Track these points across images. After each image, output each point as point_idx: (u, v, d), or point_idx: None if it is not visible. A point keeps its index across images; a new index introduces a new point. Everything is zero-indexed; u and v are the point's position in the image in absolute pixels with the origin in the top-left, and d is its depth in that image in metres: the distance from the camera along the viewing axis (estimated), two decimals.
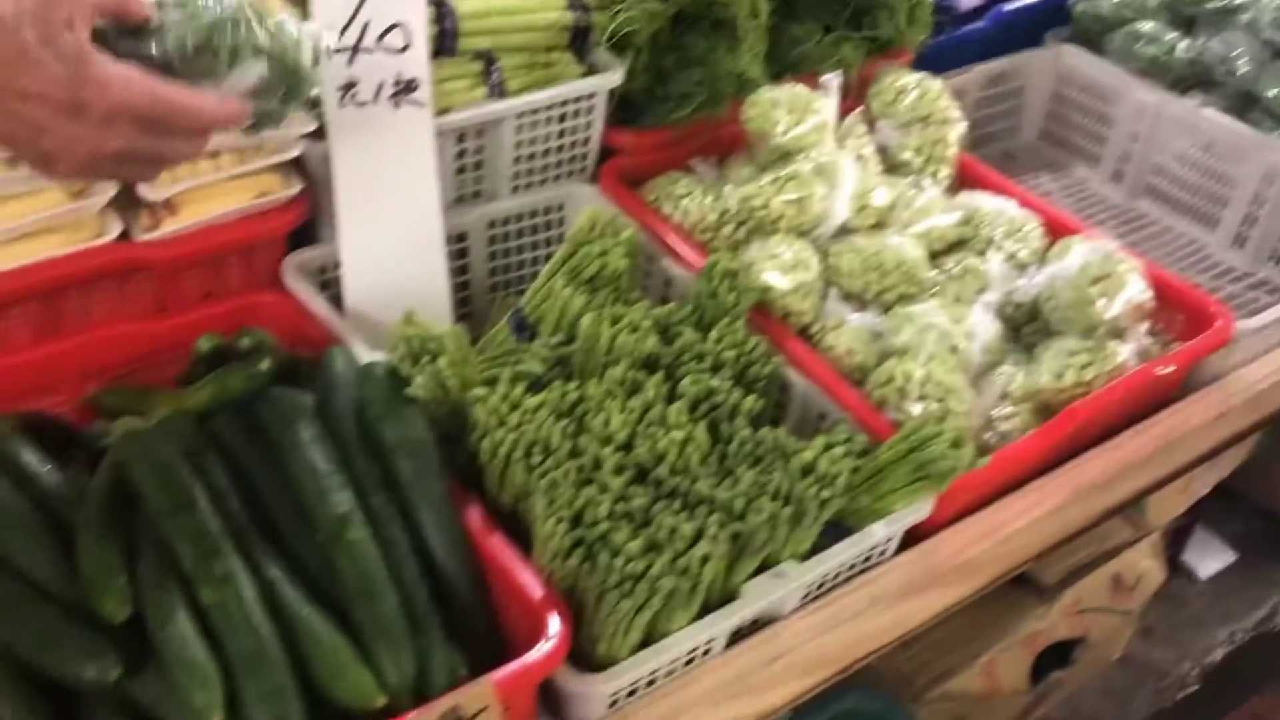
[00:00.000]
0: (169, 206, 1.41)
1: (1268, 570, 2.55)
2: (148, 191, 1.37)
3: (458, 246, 1.69)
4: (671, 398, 1.26)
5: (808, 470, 1.17)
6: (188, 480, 1.08)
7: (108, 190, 1.36)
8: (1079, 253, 1.57)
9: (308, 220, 1.54)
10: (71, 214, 1.34)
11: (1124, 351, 1.51)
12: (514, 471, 1.17)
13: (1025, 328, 1.64)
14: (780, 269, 1.51)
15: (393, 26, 1.46)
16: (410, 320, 1.26)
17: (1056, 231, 1.72)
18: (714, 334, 1.34)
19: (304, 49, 1.14)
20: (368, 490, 1.15)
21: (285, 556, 1.10)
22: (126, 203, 1.39)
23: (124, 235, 1.39)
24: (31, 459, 1.15)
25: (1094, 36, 2.20)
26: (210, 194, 1.42)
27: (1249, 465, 2.21)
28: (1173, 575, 2.34)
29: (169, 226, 1.41)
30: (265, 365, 1.24)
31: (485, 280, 1.76)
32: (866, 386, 1.43)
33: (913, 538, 1.36)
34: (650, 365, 1.31)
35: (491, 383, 1.24)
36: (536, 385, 1.27)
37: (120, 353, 1.45)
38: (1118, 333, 1.53)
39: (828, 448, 1.20)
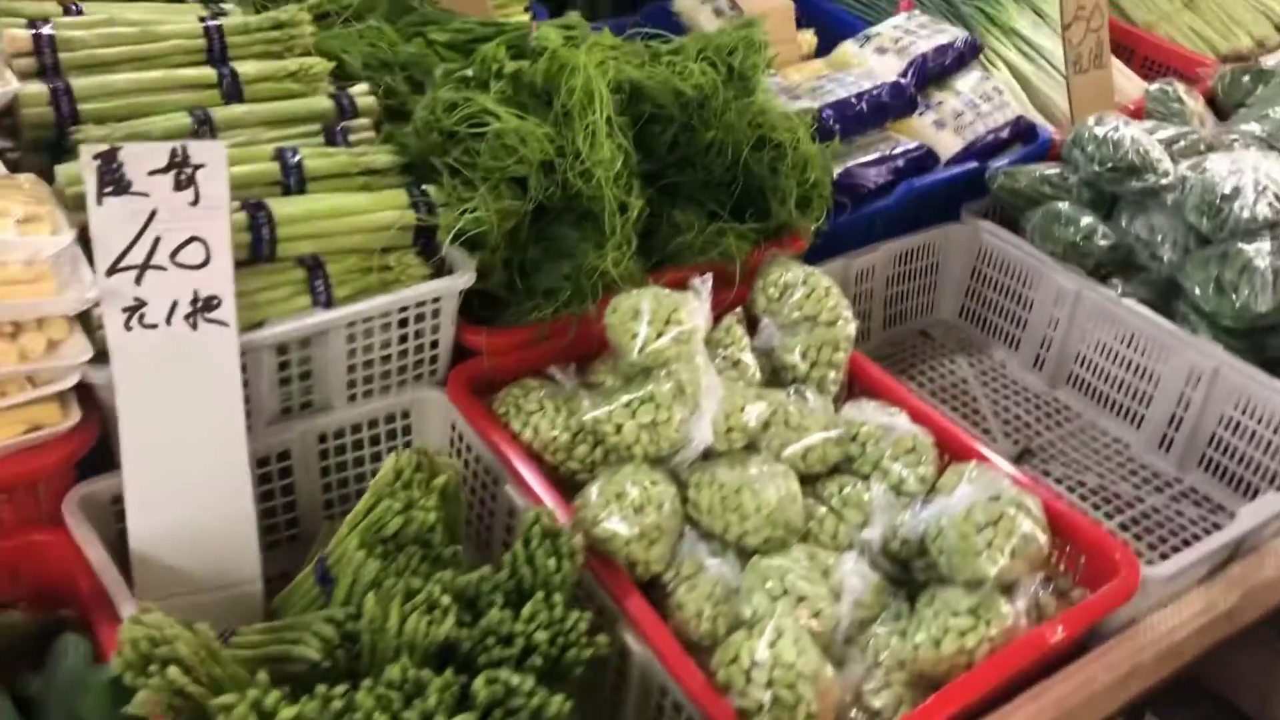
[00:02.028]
0: None
1: None
2: None
3: (281, 465, 1.52)
4: (465, 696, 1.08)
5: None
6: None
7: None
8: (966, 492, 1.39)
9: (103, 445, 1.38)
10: None
11: (1013, 610, 1.33)
12: None
13: (916, 562, 1.46)
14: (625, 511, 1.34)
15: (190, 240, 1.31)
16: (138, 619, 1.07)
17: (951, 450, 1.56)
18: (526, 611, 1.16)
19: None
20: None
21: None
22: None
23: None
24: None
25: (1012, 211, 2.07)
26: None
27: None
28: None
29: None
30: None
31: (318, 497, 1.58)
32: (713, 663, 1.25)
33: None
34: (447, 651, 1.13)
35: (252, 676, 1.06)
36: (306, 681, 1.08)
37: None
38: (1007, 586, 1.36)
39: None
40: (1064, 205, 1.96)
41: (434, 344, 1.58)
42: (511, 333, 1.61)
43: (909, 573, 1.47)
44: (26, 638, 1.18)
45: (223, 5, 1.81)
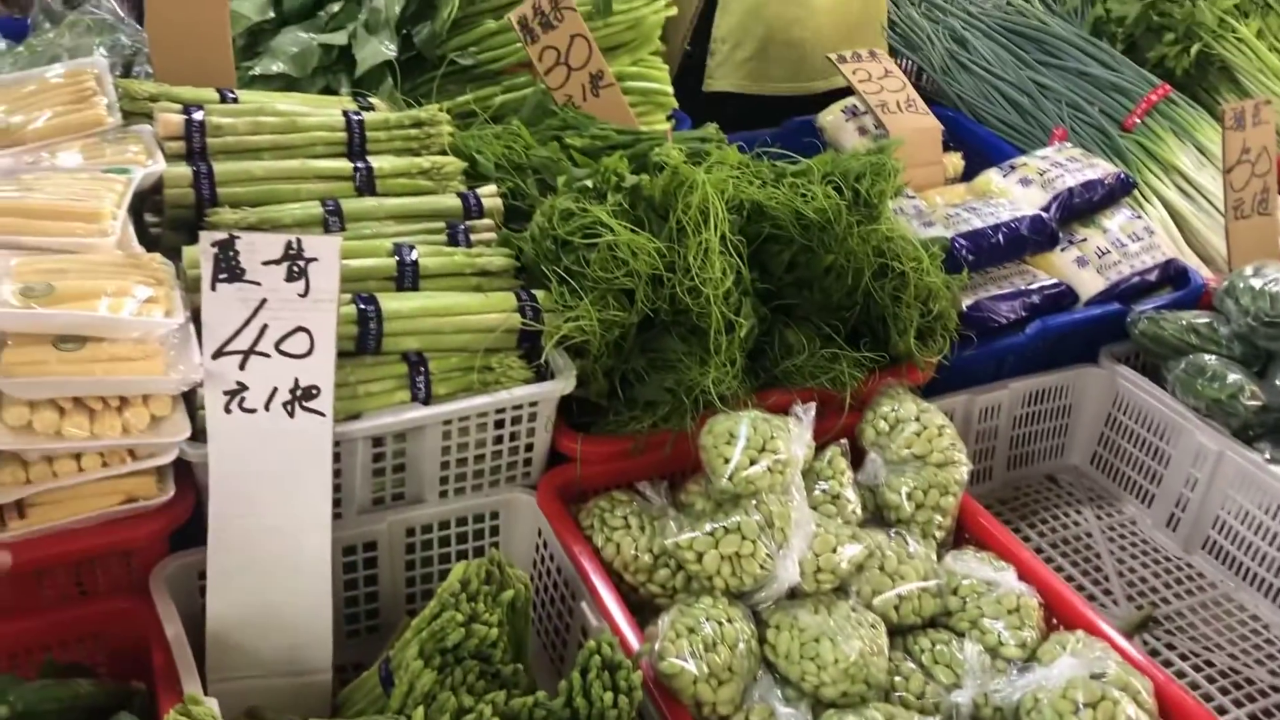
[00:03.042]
0: (18, 508, 1.29)
1: None
2: None
3: (368, 555, 1.53)
4: None
5: None
6: None
7: None
8: (1068, 664, 1.29)
9: (198, 520, 1.40)
10: None
11: None
12: None
13: None
14: (696, 647, 1.28)
15: (296, 330, 1.33)
16: (186, 710, 1.07)
17: (1059, 614, 1.45)
18: None
19: None
20: None
21: None
22: None
23: None
24: None
25: (1154, 359, 1.95)
26: (68, 497, 1.30)
27: None
28: None
29: (15, 529, 1.28)
30: None
31: (401, 590, 1.58)
32: None
33: None
34: None
35: None
36: None
37: None
38: None
39: None
40: (1211, 358, 1.84)
41: (529, 446, 1.57)
42: (608, 442, 1.58)
43: None
44: (91, 708, 1.20)
45: (369, 100, 1.89)
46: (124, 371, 1.27)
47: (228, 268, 1.30)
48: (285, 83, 2.03)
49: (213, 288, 1.30)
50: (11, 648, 1.33)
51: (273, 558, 1.36)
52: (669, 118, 2.34)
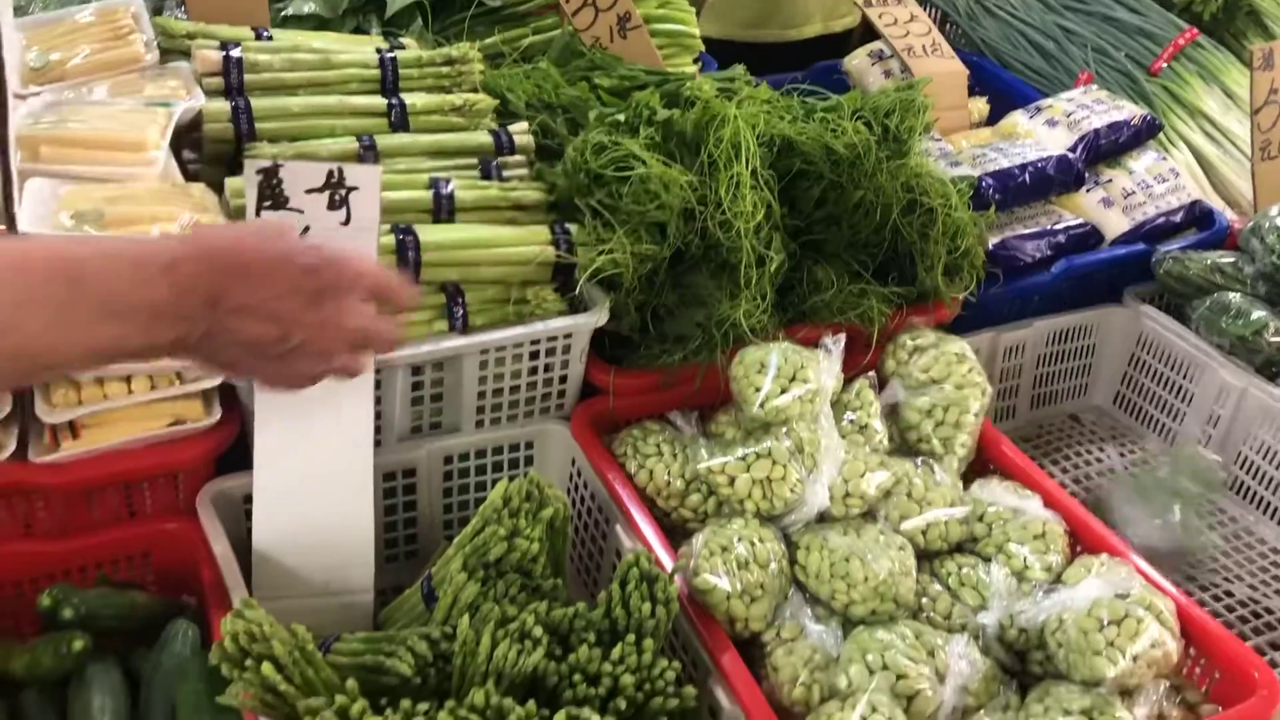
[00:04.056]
0: (71, 429, 1.32)
1: None
2: (46, 413, 1.29)
3: (407, 482, 1.56)
4: None
5: None
6: None
7: (3, 407, 1.29)
8: (1092, 585, 1.32)
9: (242, 445, 1.44)
10: None
11: (1132, 717, 1.24)
12: None
13: (1033, 654, 1.39)
14: (729, 565, 1.32)
15: None
16: (240, 614, 1.11)
17: (1084, 542, 1.48)
18: (615, 652, 1.15)
19: None
20: None
21: None
22: (26, 424, 1.31)
23: (20, 454, 1.31)
24: None
25: (1178, 298, 1.96)
26: (118, 418, 1.34)
27: None
28: None
29: (68, 450, 1.32)
30: (78, 645, 1.12)
31: (439, 516, 1.62)
32: None
33: None
34: (534, 682, 1.13)
35: (345, 678, 1.08)
36: (403, 687, 1.11)
37: (10, 573, 1.36)
38: (1128, 690, 1.27)
39: None
40: (1235, 296, 1.85)
41: (563, 378, 1.60)
42: (639, 375, 1.61)
43: (1025, 664, 1.40)
44: (147, 617, 1.24)
45: (400, 40, 1.91)
46: None
47: (272, 195, 1.33)
48: (317, 23, 2.05)
49: (257, 214, 1.33)
50: (65, 565, 1.37)
51: (317, 480, 1.39)
52: (695, 60, 2.35)
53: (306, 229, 1.35)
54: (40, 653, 1.12)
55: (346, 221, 1.36)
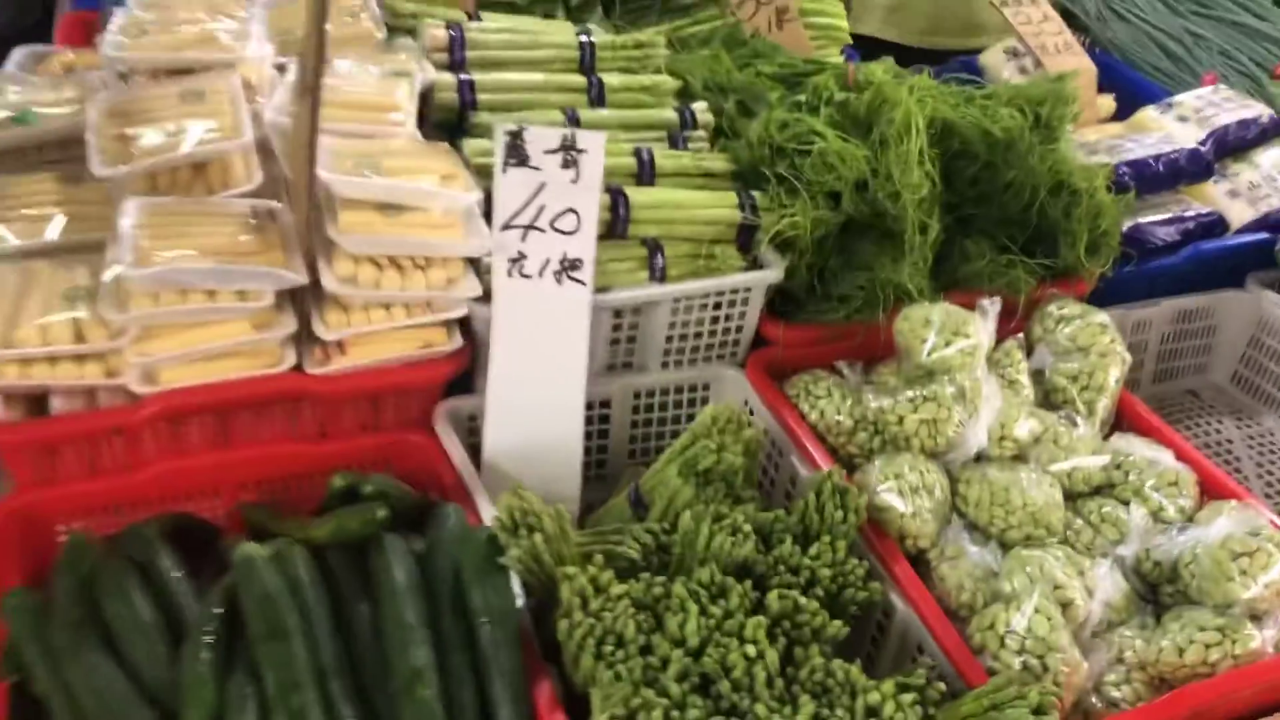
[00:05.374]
0: (341, 346, 1.55)
1: None
2: (323, 331, 1.52)
3: (601, 412, 1.77)
4: (757, 608, 1.27)
5: (872, 712, 1.16)
6: (286, 613, 1.18)
7: (289, 325, 1.52)
8: (1224, 523, 1.49)
9: (468, 371, 1.66)
10: (255, 343, 1.50)
11: (1261, 637, 1.41)
12: (585, 658, 1.20)
13: (1165, 588, 1.56)
14: (902, 490, 1.50)
15: (566, 211, 1.58)
16: (516, 492, 1.33)
17: (1212, 491, 1.64)
18: (813, 549, 1.35)
19: None
20: (449, 647, 1.21)
21: (360, 700, 1.17)
22: (303, 339, 1.54)
23: (297, 367, 1.54)
24: (166, 564, 1.28)
25: None
26: (380, 340, 1.56)
27: None
28: None
29: (337, 364, 1.55)
30: (381, 513, 1.33)
31: (624, 446, 1.83)
32: (969, 628, 1.40)
33: None
34: (743, 571, 1.33)
35: (590, 555, 1.29)
36: (628, 571, 1.31)
37: (278, 469, 1.59)
38: (1257, 614, 1.44)
39: (900, 690, 1.18)
40: None
41: (739, 328, 1.79)
42: (807, 329, 1.81)
43: (1157, 596, 1.56)
44: (414, 504, 1.46)
45: (588, 26, 2.12)
46: (433, 237, 1.53)
47: (516, 154, 1.55)
48: (508, 9, 2.27)
49: (504, 170, 1.55)
50: (321, 466, 1.59)
51: (539, 400, 1.61)
52: (840, 52, 2.53)
53: (543, 185, 1.57)
54: (347, 519, 1.34)
55: (576, 180, 1.57)
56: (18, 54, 1.99)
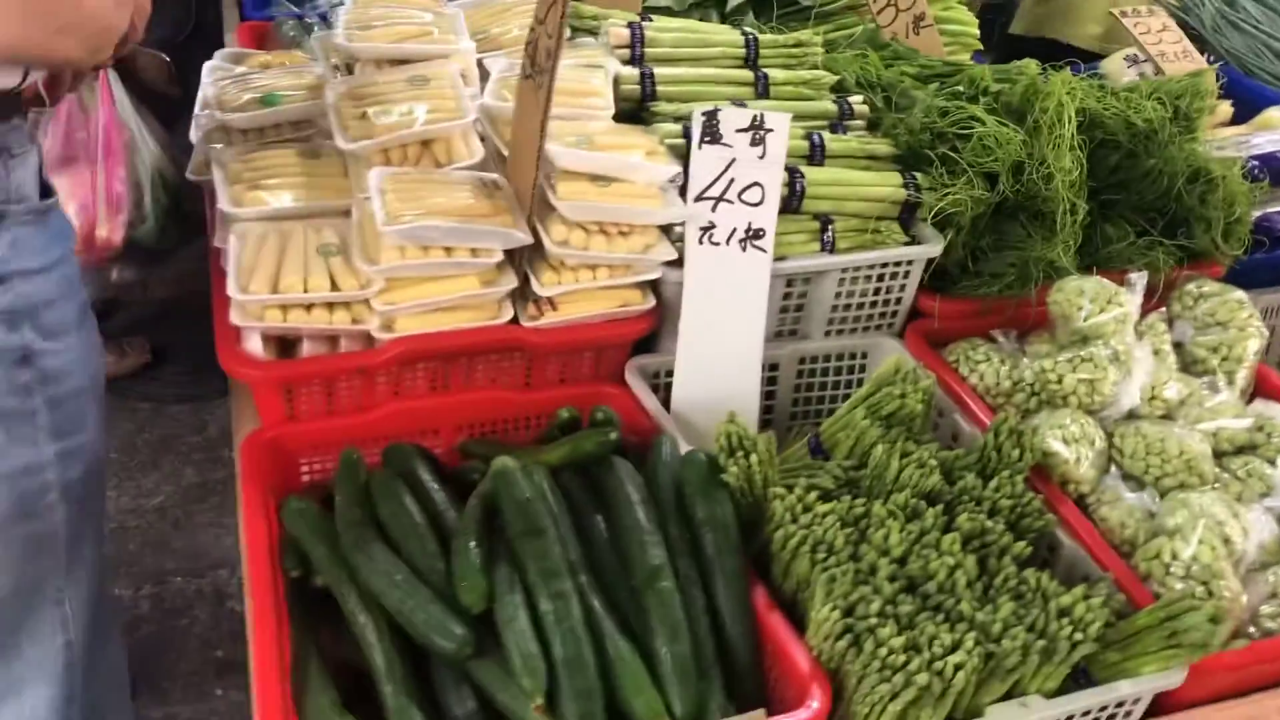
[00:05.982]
0: (552, 303, 1.73)
1: None
2: (539, 288, 1.70)
3: (769, 374, 1.93)
4: (947, 530, 1.42)
5: (1065, 612, 1.29)
6: (540, 514, 1.35)
7: (511, 282, 1.70)
8: None
9: (653, 332, 1.83)
10: (480, 297, 1.68)
11: None
12: (799, 563, 1.36)
13: None
14: (1065, 439, 1.64)
15: (751, 185, 1.74)
16: (732, 419, 1.49)
17: None
18: (994, 483, 1.49)
19: None
20: (677, 553, 1.37)
21: (604, 591, 1.33)
22: (521, 295, 1.73)
23: (514, 320, 1.72)
24: (428, 477, 1.46)
25: None
26: (586, 298, 1.74)
27: None
28: None
29: (549, 318, 1.73)
30: (614, 435, 1.50)
31: (788, 408, 1.98)
32: (1133, 560, 1.52)
33: (1162, 708, 1.42)
34: (930, 499, 1.48)
35: (790, 485, 1.45)
36: (826, 497, 1.46)
37: (491, 413, 1.77)
38: None
39: (1087, 596, 1.32)
40: None
41: (898, 300, 1.94)
42: (960, 302, 1.95)
43: None
44: (620, 446, 1.62)
45: (744, 26, 2.29)
46: (637, 205, 1.70)
47: (710, 132, 1.72)
48: (667, 13, 2.46)
49: (699, 147, 1.72)
50: (529, 411, 1.77)
51: (723, 357, 1.77)
52: (970, 56, 2.68)
53: (733, 161, 1.74)
54: (583, 440, 1.52)
55: (763, 156, 1.74)
56: (219, 55, 2.22)
